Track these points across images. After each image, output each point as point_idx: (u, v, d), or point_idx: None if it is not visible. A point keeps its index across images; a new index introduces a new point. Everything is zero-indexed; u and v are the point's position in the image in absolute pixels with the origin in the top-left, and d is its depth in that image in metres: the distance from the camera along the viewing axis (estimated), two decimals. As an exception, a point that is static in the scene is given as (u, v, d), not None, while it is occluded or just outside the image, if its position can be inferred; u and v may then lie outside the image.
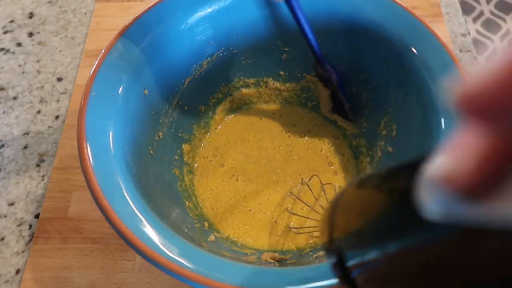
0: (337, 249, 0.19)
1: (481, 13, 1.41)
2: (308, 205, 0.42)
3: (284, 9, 0.40)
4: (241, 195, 0.44)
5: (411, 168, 0.14)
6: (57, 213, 0.44)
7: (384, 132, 0.41)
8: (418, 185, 0.12)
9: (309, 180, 0.43)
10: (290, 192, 0.44)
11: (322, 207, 0.41)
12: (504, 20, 1.39)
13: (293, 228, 0.41)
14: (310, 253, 0.38)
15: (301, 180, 0.44)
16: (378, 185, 0.17)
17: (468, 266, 0.11)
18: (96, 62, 0.34)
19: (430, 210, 0.11)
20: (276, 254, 0.36)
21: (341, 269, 0.18)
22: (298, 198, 0.43)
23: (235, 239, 0.41)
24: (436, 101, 0.33)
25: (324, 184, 0.43)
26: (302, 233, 0.41)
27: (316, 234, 0.40)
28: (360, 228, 0.17)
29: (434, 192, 0.11)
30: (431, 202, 0.11)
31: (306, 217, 0.41)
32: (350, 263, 0.18)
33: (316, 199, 0.42)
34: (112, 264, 0.41)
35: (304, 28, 0.37)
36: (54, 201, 0.44)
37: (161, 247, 0.27)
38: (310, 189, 0.43)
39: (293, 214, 0.42)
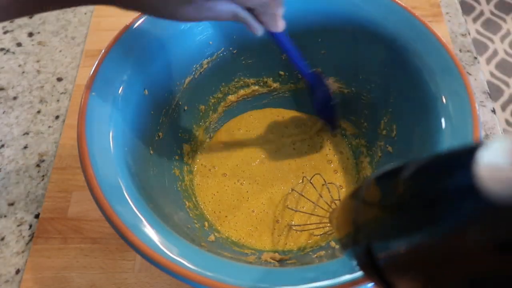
0: (363, 239, 0.19)
1: (481, 13, 1.41)
2: (313, 202, 0.42)
3: (284, 9, 0.40)
4: (243, 195, 0.44)
5: (451, 158, 0.15)
6: (57, 213, 0.44)
7: (384, 132, 0.41)
8: (478, 170, 0.12)
9: (311, 179, 0.43)
10: (293, 189, 0.44)
11: (327, 204, 0.41)
12: (504, 20, 1.39)
13: (294, 225, 0.41)
14: (311, 253, 0.38)
15: (303, 178, 0.44)
16: (416, 175, 0.17)
17: None
18: (96, 62, 0.34)
19: (498, 192, 0.11)
20: (276, 254, 0.36)
21: (368, 259, 0.18)
22: (303, 195, 0.43)
23: (236, 240, 0.41)
24: (436, 101, 0.33)
25: (328, 183, 0.43)
26: (304, 230, 0.41)
27: (318, 232, 0.41)
28: (394, 218, 0.17)
29: (503, 175, 0.11)
30: (499, 184, 0.11)
31: (311, 214, 0.41)
32: (380, 252, 0.18)
33: (321, 196, 0.42)
34: (112, 264, 0.41)
35: (294, 59, 0.36)
36: (54, 201, 0.44)
37: (161, 247, 0.27)
38: (314, 187, 0.43)
39: (297, 211, 0.42)
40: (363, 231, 0.20)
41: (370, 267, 0.19)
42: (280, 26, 0.31)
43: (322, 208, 0.41)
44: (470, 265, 0.13)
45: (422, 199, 0.16)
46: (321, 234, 0.40)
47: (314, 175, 0.44)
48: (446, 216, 0.14)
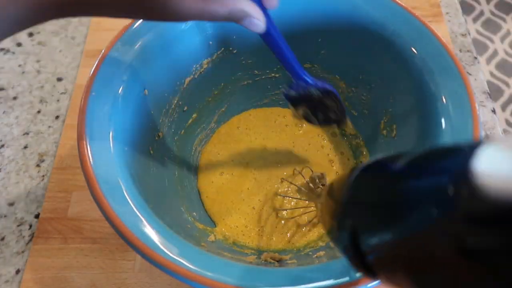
0: (350, 232, 0.19)
1: (481, 13, 1.41)
2: (296, 186, 0.43)
3: (284, 9, 0.40)
4: (243, 194, 0.44)
5: (443, 152, 0.15)
6: (57, 213, 0.44)
7: (384, 132, 0.41)
8: (476, 167, 0.12)
9: (302, 170, 0.44)
10: (283, 179, 0.45)
11: (312, 186, 0.42)
12: (504, 20, 1.39)
13: (280, 210, 0.42)
14: (310, 253, 0.38)
15: (293, 171, 0.45)
16: (409, 168, 0.17)
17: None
18: (96, 62, 0.34)
19: (494, 187, 0.12)
20: (276, 254, 0.36)
21: (355, 251, 0.18)
22: (287, 180, 0.44)
23: (236, 239, 0.41)
24: (436, 101, 0.33)
25: (320, 173, 0.44)
26: (292, 217, 0.42)
27: (306, 216, 0.42)
28: (381, 211, 0.17)
29: (498, 172, 0.12)
30: (495, 180, 0.12)
31: (298, 198, 0.43)
32: (367, 245, 0.18)
33: (308, 183, 0.43)
34: (112, 264, 0.41)
35: (285, 54, 0.33)
36: (54, 201, 0.44)
37: (161, 247, 0.27)
38: (302, 176, 0.44)
39: (285, 196, 0.43)
40: (349, 223, 0.20)
41: (358, 260, 0.19)
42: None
43: (307, 193, 0.42)
44: (448, 267, 0.13)
45: (408, 192, 0.16)
46: (309, 221, 0.41)
47: (304, 167, 0.45)
48: (430, 208, 0.14)
